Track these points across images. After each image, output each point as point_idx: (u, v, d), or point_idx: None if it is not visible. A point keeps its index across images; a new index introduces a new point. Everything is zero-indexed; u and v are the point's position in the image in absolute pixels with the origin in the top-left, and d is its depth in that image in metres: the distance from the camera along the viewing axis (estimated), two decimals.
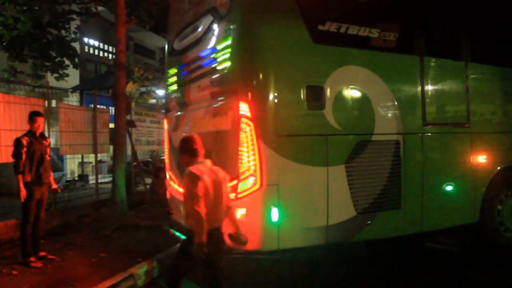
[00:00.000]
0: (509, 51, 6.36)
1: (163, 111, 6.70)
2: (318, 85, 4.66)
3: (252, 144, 4.37)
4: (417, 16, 5.48)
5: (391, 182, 5.05)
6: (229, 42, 4.72)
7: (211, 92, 5.06)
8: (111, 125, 10.15)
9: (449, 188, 5.57)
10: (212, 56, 5.04)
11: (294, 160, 4.50)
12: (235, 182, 4.48)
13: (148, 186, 10.47)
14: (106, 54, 25.63)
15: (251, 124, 4.37)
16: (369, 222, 4.92)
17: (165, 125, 6.54)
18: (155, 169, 11.10)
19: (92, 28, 20.62)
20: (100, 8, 10.06)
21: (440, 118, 5.60)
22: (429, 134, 5.46)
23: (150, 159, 14.90)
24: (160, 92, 15.63)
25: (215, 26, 5.04)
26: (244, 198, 4.42)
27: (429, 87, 5.44)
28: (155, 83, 14.39)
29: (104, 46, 25.37)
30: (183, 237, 5.61)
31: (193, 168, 3.85)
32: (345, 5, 5.04)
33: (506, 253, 6.06)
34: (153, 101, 15.64)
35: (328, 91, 4.69)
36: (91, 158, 13.68)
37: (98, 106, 10.09)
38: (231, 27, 4.76)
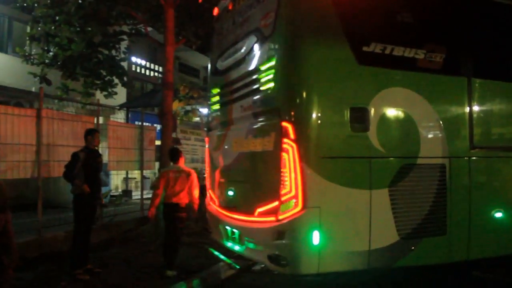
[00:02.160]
0: None
1: (206, 129, 6.77)
2: (362, 107, 4.56)
3: (294, 166, 4.30)
4: (464, 36, 5.32)
5: (436, 207, 4.84)
6: (272, 62, 4.68)
7: (254, 113, 5.06)
8: (157, 142, 10.37)
9: (498, 214, 5.26)
10: (255, 76, 5.03)
11: (337, 182, 4.40)
12: (276, 203, 4.45)
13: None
14: (152, 73, 26.30)
15: (294, 145, 4.31)
16: (413, 247, 4.73)
17: (207, 144, 6.62)
18: (200, 187, 11.20)
19: (139, 47, 21.25)
20: (148, 28, 10.39)
21: (488, 141, 5.37)
22: (477, 157, 5.18)
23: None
24: (204, 111, 15.86)
25: (259, 47, 5.03)
26: (285, 220, 4.33)
27: (476, 109, 5.21)
28: (199, 101, 14.61)
29: (150, 65, 26.07)
30: (222, 256, 5.69)
31: (164, 169, 5.41)
32: (390, 26, 4.94)
33: None
34: (197, 119, 15.87)
35: (372, 113, 4.58)
36: (135, 174, 14.02)
37: (144, 124, 10.35)
38: (275, 47, 4.73)
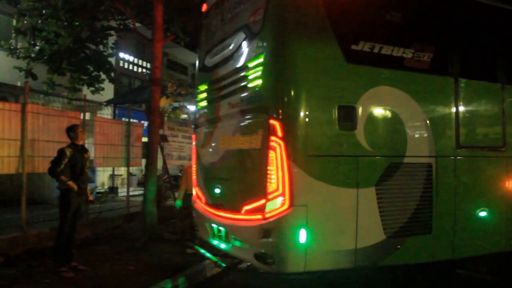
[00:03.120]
0: None
1: (193, 126, 6.74)
2: (350, 105, 4.57)
3: (282, 164, 4.28)
4: (452, 36, 5.38)
5: (422, 206, 4.88)
6: (261, 60, 4.66)
7: (241, 110, 5.04)
8: (144, 139, 10.30)
9: (483, 214, 5.36)
10: (243, 73, 5.01)
11: (324, 181, 4.40)
12: (263, 201, 4.43)
13: None
14: (140, 69, 26.14)
15: (281, 143, 4.30)
16: (399, 246, 4.78)
17: (194, 141, 6.60)
18: None
19: (127, 43, 21.09)
20: (137, 24, 10.30)
21: (474, 141, 5.44)
22: (463, 157, 5.26)
23: (180, 174, 14.97)
24: (192, 108, 15.80)
25: (247, 44, 5.00)
26: (272, 218, 4.32)
27: (462, 109, 5.28)
28: (187, 98, 14.53)
29: (138, 61, 25.90)
30: (207, 254, 5.72)
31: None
32: (378, 25, 4.94)
33: None
34: (185, 116, 15.79)
35: (360, 112, 4.59)
36: (121, 170, 13.92)
37: (131, 120, 10.27)
38: (264, 44, 4.70)
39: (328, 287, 5.49)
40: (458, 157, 5.21)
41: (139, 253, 7.14)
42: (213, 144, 5.77)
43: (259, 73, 4.67)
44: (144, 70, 25.84)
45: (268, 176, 4.36)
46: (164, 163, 10.78)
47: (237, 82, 5.15)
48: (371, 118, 4.67)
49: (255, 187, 4.59)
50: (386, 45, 4.78)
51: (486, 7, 5.68)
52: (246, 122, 4.95)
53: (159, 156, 10.04)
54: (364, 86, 4.69)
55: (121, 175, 14.85)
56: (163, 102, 13.16)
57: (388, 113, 4.82)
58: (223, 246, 5.28)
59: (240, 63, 5.10)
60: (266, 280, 6.31)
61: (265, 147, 4.42)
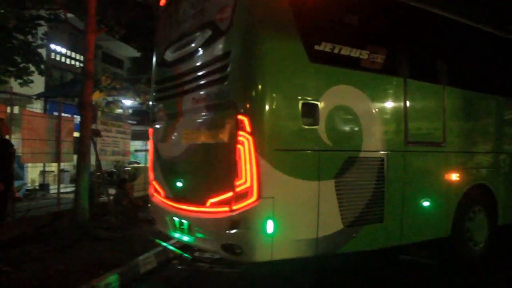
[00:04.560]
0: (483, 77, 6.92)
1: (151, 121, 6.73)
2: (313, 103, 4.83)
3: (250, 158, 4.47)
4: (401, 40, 5.79)
5: (375, 197, 5.27)
6: (229, 57, 4.81)
7: (207, 105, 5.15)
8: (76, 134, 9.95)
9: (426, 203, 5.87)
10: (209, 69, 5.12)
11: (289, 174, 4.62)
12: (230, 194, 4.62)
13: (111, 197, 10.28)
14: (73, 62, 25.17)
15: (249, 138, 4.48)
16: (355, 235, 5.10)
17: (151, 136, 6.55)
18: (119, 180, 10.93)
19: (59, 34, 20.25)
20: (69, 15, 9.92)
21: (420, 138, 5.90)
22: (410, 152, 5.72)
23: (114, 170, 14.64)
24: (127, 102, 15.45)
25: (214, 40, 5.10)
26: (240, 210, 4.52)
27: (411, 108, 5.71)
28: (122, 93, 14.19)
29: (71, 54, 24.93)
30: (170, 247, 5.93)
31: None
32: (339, 27, 5.27)
33: (476, 264, 6.48)
34: (120, 111, 15.41)
35: (321, 109, 4.85)
36: (53, 167, 13.36)
37: (63, 114, 9.89)
38: (232, 42, 4.85)
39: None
40: (406, 152, 5.66)
41: (70, 252, 6.89)
42: (174, 139, 5.83)
43: (226, 70, 4.82)
44: (77, 63, 24.90)
45: (236, 169, 4.54)
46: (97, 159, 10.47)
47: (202, 77, 5.27)
48: (331, 114, 4.95)
49: (221, 180, 4.78)
50: (345, 46, 5.11)
51: (431, 15, 6.20)
52: (212, 117, 5.11)
53: (93, 152, 9.77)
54: (326, 84, 4.99)
55: (53, 171, 14.26)
56: (97, 96, 12.80)
57: (346, 110, 5.15)
58: (186, 238, 5.39)
59: (205, 59, 5.23)
60: (201, 275, 6.34)
61: (233, 141, 4.59)
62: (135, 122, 16.89)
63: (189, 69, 5.52)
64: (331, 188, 4.89)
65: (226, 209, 4.66)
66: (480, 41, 7.05)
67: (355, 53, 5.21)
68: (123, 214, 9.39)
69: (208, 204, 4.93)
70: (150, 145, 6.56)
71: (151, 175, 6.45)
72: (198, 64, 5.38)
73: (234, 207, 4.58)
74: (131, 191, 10.74)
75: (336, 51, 5.05)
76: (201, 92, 5.27)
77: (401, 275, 6.28)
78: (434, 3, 6.25)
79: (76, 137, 9.80)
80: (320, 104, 4.85)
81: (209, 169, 5.15)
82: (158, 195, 6.14)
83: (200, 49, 5.32)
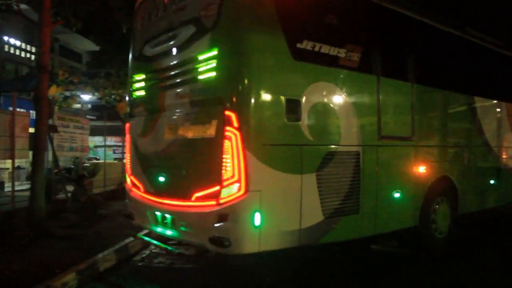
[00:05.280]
0: (449, 76, 7.44)
1: (128, 116, 6.72)
2: (296, 99, 5.01)
3: (237, 152, 4.59)
4: (375, 39, 6.06)
5: (352, 189, 5.52)
6: (214, 53, 4.90)
7: (192, 101, 5.21)
8: (31, 130, 9.64)
9: (396, 195, 6.20)
10: (194, 65, 5.18)
11: (274, 167, 4.78)
12: (217, 188, 4.73)
13: (69, 194, 10.04)
14: (28, 55, 24.36)
15: (237, 133, 4.60)
16: (334, 226, 5.33)
17: (127, 131, 6.53)
18: (77, 176, 10.68)
19: (14, 26, 19.56)
20: (23, 6, 9.57)
21: (391, 132, 6.19)
22: (383, 146, 6.01)
23: (72, 166, 14.29)
24: (86, 97, 15.08)
25: (198, 37, 5.16)
26: (228, 203, 4.64)
27: (383, 104, 5.98)
28: (80, 87, 13.82)
29: (26, 46, 24.12)
30: (153, 241, 5.87)
31: None
32: (318, 25, 5.46)
33: (439, 251, 6.90)
34: (78, 106, 15.02)
35: (303, 105, 5.04)
36: (8, 164, 12.92)
37: (17, 109, 9.55)
38: (218, 39, 4.94)
39: None
40: (379, 146, 5.95)
41: (25, 252, 6.69)
42: (155, 134, 5.84)
43: (212, 66, 4.93)
44: (33, 56, 24.13)
45: (223, 164, 4.67)
46: (54, 155, 10.19)
47: (186, 73, 5.34)
48: (312, 110, 5.14)
49: (207, 174, 4.90)
50: (324, 45, 5.32)
51: (400, 18, 6.59)
52: (198, 112, 5.18)
53: (49, 148, 9.51)
54: (307, 81, 5.19)
55: (8, 168, 13.80)
56: (54, 91, 12.39)
57: (325, 106, 5.36)
58: (169, 232, 5.47)
59: (189, 55, 5.27)
60: (160, 272, 6.29)
61: (220, 136, 4.72)
62: (94, 118, 16.55)
63: (171, 65, 5.58)
64: (313, 181, 5.09)
65: (213, 202, 4.77)
66: (444, 42, 7.48)
67: (333, 51, 5.42)
68: (82, 211, 9.19)
69: (193, 198, 5.01)
70: (127, 140, 6.55)
71: (128, 170, 6.46)
72: (181, 59, 5.43)
73: (222, 201, 4.70)
74: (89, 188, 10.51)
75: (316, 49, 5.25)
76: (185, 88, 5.33)
77: (373, 263, 6.68)
78: (403, 5, 6.63)
79: (31, 133, 9.48)
80: (302, 100, 5.04)
81: (194, 163, 5.23)
82: (137, 190, 6.14)
83: (183, 45, 5.36)
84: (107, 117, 14.37)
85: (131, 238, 7.35)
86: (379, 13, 6.20)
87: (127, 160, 6.54)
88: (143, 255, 7.08)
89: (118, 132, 17.48)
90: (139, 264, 6.69)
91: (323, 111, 5.32)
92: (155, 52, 5.90)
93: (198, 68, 5.13)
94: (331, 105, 5.39)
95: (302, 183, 4.99)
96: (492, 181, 8.45)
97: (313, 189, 5.10)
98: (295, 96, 5.02)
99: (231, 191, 4.63)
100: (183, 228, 5.24)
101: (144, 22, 6.30)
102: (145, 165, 6.05)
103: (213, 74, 4.93)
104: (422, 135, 6.68)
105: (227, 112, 4.68)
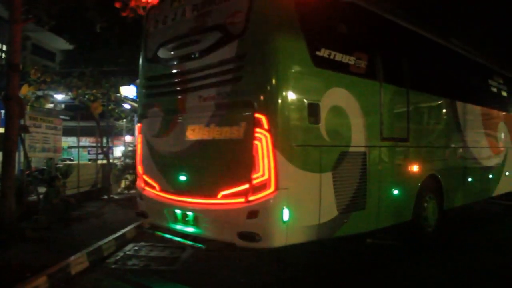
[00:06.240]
0: (441, 83, 8.30)
1: (138, 116, 6.94)
2: (316, 103, 5.38)
3: (268, 153, 4.94)
4: (377, 48, 6.51)
5: (360, 186, 5.97)
6: (243, 59, 5.23)
7: (218, 103, 5.47)
8: (1, 130, 9.42)
9: (395, 192, 6.75)
10: (219, 69, 5.46)
11: (299, 167, 5.17)
12: (245, 186, 5.08)
13: (41, 196, 9.82)
14: None
15: (267, 134, 4.96)
16: (345, 220, 5.75)
17: (139, 131, 6.72)
18: (50, 177, 10.46)
19: None
20: None
21: (391, 134, 6.67)
22: (384, 147, 6.53)
23: (45, 167, 13.99)
24: (59, 97, 14.79)
25: (224, 42, 5.44)
26: (258, 200, 4.99)
27: (385, 108, 6.48)
28: (53, 87, 13.54)
29: None
30: (173, 237, 6.03)
31: None
32: (332, 34, 5.92)
33: (429, 243, 7.50)
34: (51, 105, 14.71)
35: (321, 108, 5.41)
36: None
37: None
38: (248, 46, 5.23)
39: None
40: (381, 147, 6.47)
41: None
42: (174, 134, 6.07)
43: (240, 71, 5.27)
44: (3, 54, 23.61)
45: (254, 163, 5.01)
46: (26, 155, 9.96)
47: (211, 76, 5.58)
48: (328, 114, 5.51)
49: (234, 173, 5.26)
50: (338, 53, 5.76)
51: (404, 30, 7.37)
52: (223, 114, 5.46)
53: (21, 148, 9.30)
54: (324, 87, 5.59)
55: None
56: (25, 90, 12.13)
57: (339, 110, 5.76)
58: (190, 229, 5.75)
59: (214, 59, 5.52)
60: (131, 274, 6.23)
61: (249, 137, 5.06)
62: (68, 118, 16.25)
63: (194, 68, 5.80)
64: (329, 179, 5.50)
65: (241, 200, 5.11)
66: (436, 52, 8.42)
67: (345, 59, 5.88)
68: (54, 213, 9.00)
69: (219, 196, 5.33)
70: (139, 140, 6.71)
71: (140, 169, 6.64)
72: (205, 63, 5.65)
73: (251, 198, 5.04)
74: (62, 189, 10.30)
75: (332, 57, 5.69)
76: (209, 90, 5.58)
77: (370, 255, 7.16)
78: (403, 18, 7.37)
79: (1, 133, 9.26)
80: (321, 105, 5.42)
81: (219, 163, 5.52)
82: (152, 189, 6.33)
83: (207, 49, 5.61)
84: (81, 118, 14.13)
85: (105, 240, 7.26)
86: (383, 25, 6.83)
87: (139, 160, 6.71)
88: (117, 257, 6.98)
89: (92, 132, 17.25)
90: (113, 266, 6.59)
91: (337, 114, 5.70)
92: (173, 55, 6.18)
93: (224, 72, 5.43)
94: (344, 109, 5.79)
95: (321, 181, 5.38)
96: (471, 179, 9.23)
97: (330, 186, 5.50)
98: (315, 101, 5.40)
99: (261, 189, 4.99)
100: (206, 225, 5.57)
101: (159, 26, 6.53)
102: (162, 165, 6.25)
103: (241, 78, 5.26)
104: (416, 137, 7.27)
105: (257, 115, 5.02)
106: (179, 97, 6.03)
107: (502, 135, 10.83)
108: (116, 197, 13.17)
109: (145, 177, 6.51)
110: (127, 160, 14.03)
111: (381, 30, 6.77)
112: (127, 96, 16.34)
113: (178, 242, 6.06)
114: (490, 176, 10.18)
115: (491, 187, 10.34)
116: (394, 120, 6.82)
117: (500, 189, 10.62)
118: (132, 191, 13.45)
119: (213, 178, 5.56)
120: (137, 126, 6.84)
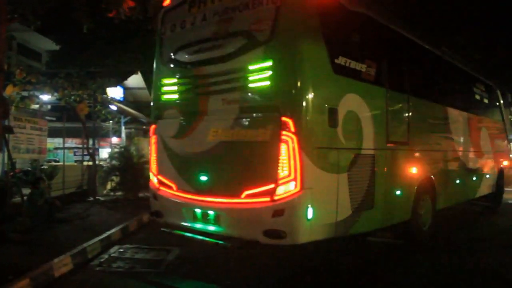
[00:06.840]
0: (440, 91, 9.10)
1: (151, 117, 7.03)
2: (335, 108, 5.67)
3: (294, 154, 5.18)
4: (384, 54, 6.89)
5: (369, 186, 6.28)
6: (269, 64, 5.44)
7: (242, 106, 5.69)
8: None
9: (397, 192, 7.12)
10: (243, 74, 5.69)
11: (321, 168, 5.44)
12: (271, 186, 5.30)
13: (25, 197, 9.71)
14: None
15: (294, 137, 5.19)
16: (357, 219, 6.05)
17: (153, 132, 6.81)
18: (34, 179, 10.34)
19: None
20: None
21: (395, 138, 7.03)
22: (389, 150, 6.87)
23: (30, 169, 13.84)
24: (45, 98, 14.66)
25: (249, 48, 5.64)
26: (284, 199, 5.23)
27: (390, 113, 6.86)
28: (39, 87, 13.41)
29: None
30: (194, 236, 6.10)
31: None
32: (347, 43, 6.26)
33: (424, 241, 7.88)
34: (36, 106, 14.56)
35: (339, 113, 5.69)
36: None
37: None
38: (274, 53, 5.46)
39: None
40: (387, 150, 6.81)
41: None
42: (195, 135, 6.20)
43: (265, 76, 5.47)
44: None
45: (280, 164, 5.24)
46: (10, 157, 9.84)
47: (235, 81, 5.82)
48: (344, 118, 5.78)
49: (259, 174, 5.47)
50: (352, 60, 6.08)
51: (408, 41, 7.88)
52: (249, 117, 5.72)
53: (5, 149, 9.19)
54: (341, 93, 5.87)
55: None
56: (10, 91, 12.00)
57: (353, 115, 6.03)
58: (211, 228, 5.92)
59: (238, 64, 5.73)
60: (116, 277, 6.20)
61: (275, 140, 5.28)
62: (53, 119, 16.10)
63: (216, 72, 5.96)
64: (345, 179, 5.79)
65: (267, 199, 5.32)
66: (432, 61, 9.05)
67: (358, 66, 6.21)
68: (38, 215, 8.91)
69: (243, 195, 5.51)
70: (153, 141, 6.81)
71: (154, 169, 6.75)
72: (229, 68, 5.83)
73: (276, 197, 5.27)
74: (47, 191, 10.20)
75: (347, 64, 5.99)
76: (234, 94, 5.79)
77: (372, 253, 7.54)
78: (408, 31, 7.88)
79: None
80: (339, 109, 5.69)
81: (244, 164, 5.69)
82: (168, 189, 6.47)
83: (231, 54, 5.77)
84: (67, 119, 14.02)
85: (89, 242, 7.21)
86: (389, 35, 7.22)
87: (153, 160, 6.81)
88: (102, 259, 6.94)
89: (79, 134, 17.10)
90: (97, 268, 6.55)
91: (351, 119, 5.96)
92: (193, 58, 6.31)
93: (248, 76, 5.65)
94: (357, 114, 6.08)
95: (338, 182, 5.68)
96: (459, 181, 9.76)
97: (345, 186, 5.79)
98: (334, 105, 5.67)
99: (287, 189, 5.21)
100: (228, 224, 5.76)
101: (176, 29, 6.65)
102: (180, 165, 6.38)
103: (266, 83, 5.46)
104: (415, 141, 7.68)
105: (283, 118, 5.24)
106: (200, 99, 6.21)
107: (484, 141, 11.47)
108: (101, 199, 13.06)
109: (160, 177, 6.63)
110: (113, 162, 13.87)
111: (388, 40, 7.19)
112: (113, 98, 16.23)
113: (200, 240, 6.09)
114: (474, 178, 10.82)
115: (475, 189, 10.94)
116: (397, 125, 7.20)
117: (482, 191, 11.28)
118: (118, 193, 13.39)
119: (236, 178, 5.75)
120: (151, 127, 6.91)
